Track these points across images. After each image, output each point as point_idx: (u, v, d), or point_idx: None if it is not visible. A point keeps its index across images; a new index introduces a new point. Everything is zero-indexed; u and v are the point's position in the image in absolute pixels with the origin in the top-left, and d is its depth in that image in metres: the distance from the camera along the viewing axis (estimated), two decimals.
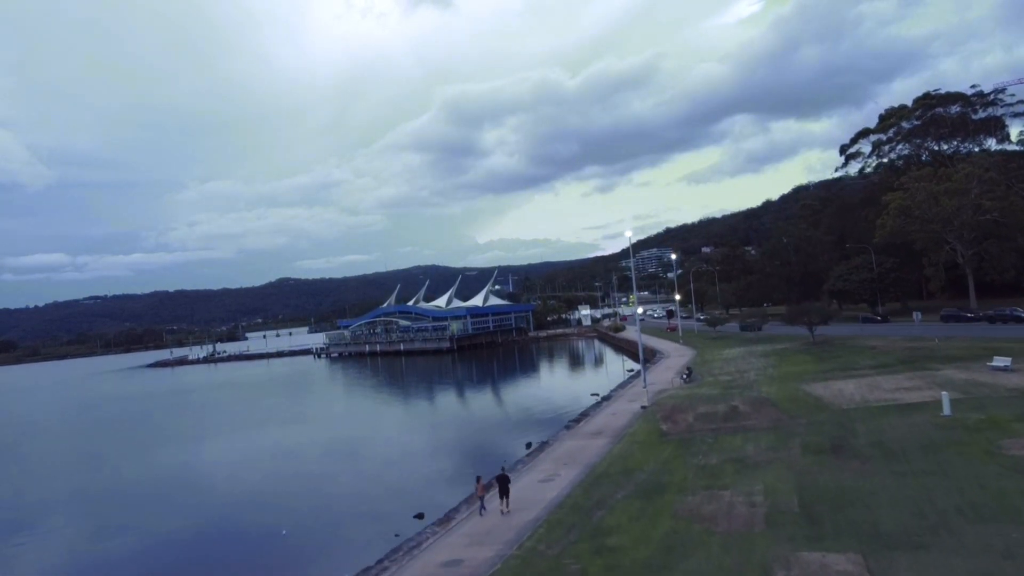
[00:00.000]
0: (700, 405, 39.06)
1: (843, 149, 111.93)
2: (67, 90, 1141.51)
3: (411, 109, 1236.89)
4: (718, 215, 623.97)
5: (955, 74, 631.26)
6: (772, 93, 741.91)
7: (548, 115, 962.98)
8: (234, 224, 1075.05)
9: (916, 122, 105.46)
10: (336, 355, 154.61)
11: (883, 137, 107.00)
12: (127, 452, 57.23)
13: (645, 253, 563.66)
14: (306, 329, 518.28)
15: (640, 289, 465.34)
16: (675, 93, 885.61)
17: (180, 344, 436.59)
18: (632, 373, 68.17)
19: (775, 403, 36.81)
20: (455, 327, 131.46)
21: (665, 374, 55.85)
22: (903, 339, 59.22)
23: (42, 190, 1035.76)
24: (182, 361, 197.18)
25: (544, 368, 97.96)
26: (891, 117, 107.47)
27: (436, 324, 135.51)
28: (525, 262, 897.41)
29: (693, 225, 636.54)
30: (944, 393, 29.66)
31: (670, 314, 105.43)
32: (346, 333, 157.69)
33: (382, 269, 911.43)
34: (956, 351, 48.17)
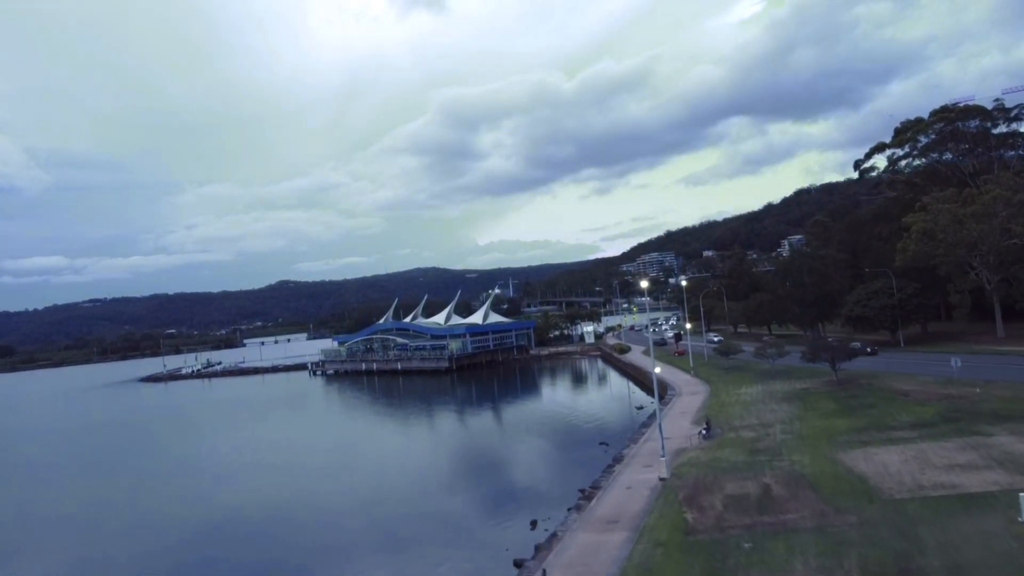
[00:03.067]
0: (727, 480, 34.72)
1: (857, 164, 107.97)
2: (64, 92, 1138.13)
3: (408, 112, 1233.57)
4: (719, 218, 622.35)
5: (952, 76, 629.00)
6: (768, 95, 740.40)
7: (545, 118, 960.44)
8: (232, 227, 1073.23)
9: (933, 136, 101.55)
10: (332, 372, 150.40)
11: (899, 152, 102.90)
12: (93, 506, 52.87)
13: (646, 257, 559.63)
14: (304, 335, 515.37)
15: (641, 295, 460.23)
16: (672, 95, 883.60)
17: (177, 351, 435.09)
18: (643, 414, 63.93)
19: (813, 484, 32.44)
20: (454, 346, 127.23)
21: (680, 422, 51.51)
22: (935, 381, 54.94)
23: (40, 193, 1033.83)
24: (174, 376, 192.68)
25: (547, 395, 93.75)
26: (907, 131, 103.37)
27: (434, 343, 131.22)
28: (525, 264, 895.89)
29: (694, 228, 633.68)
30: (1022, 495, 25.32)
31: (678, 337, 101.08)
32: (342, 349, 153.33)
33: (381, 271, 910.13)
34: (1001, 404, 43.95)
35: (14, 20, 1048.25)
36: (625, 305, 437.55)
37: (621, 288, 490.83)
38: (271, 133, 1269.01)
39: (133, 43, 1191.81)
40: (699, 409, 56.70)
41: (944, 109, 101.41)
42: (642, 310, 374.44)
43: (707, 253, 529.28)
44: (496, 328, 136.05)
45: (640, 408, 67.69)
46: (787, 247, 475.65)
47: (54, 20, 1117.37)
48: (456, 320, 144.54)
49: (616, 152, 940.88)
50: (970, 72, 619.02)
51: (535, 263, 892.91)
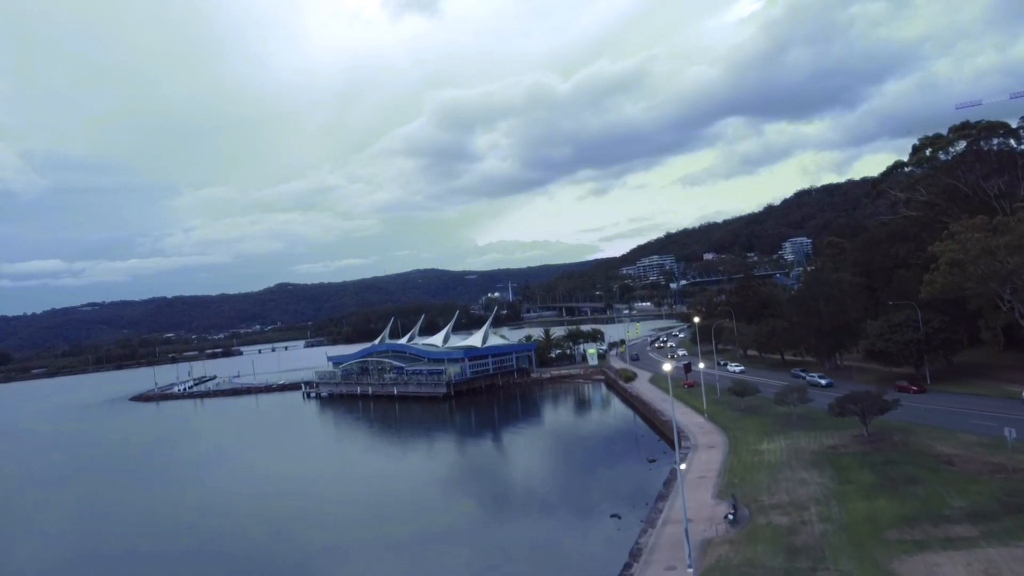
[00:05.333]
0: None
1: (875, 184, 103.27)
2: (59, 95, 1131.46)
3: (404, 114, 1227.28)
4: (718, 220, 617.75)
5: (948, 75, 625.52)
6: (764, 96, 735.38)
7: (541, 119, 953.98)
8: (230, 229, 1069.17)
9: (954, 152, 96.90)
10: (326, 395, 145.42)
11: (917, 171, 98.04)
12: None
13: (645, 261, 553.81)
14: (302, 342, 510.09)
15: (642, 299, 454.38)
16: (667, 96, 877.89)
17: (173, 360, 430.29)
18: (656, 470, 59.04)
19: None
20: (452, 371, 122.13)
21: (701, 494, 46.57)
22: (979, 443, 50.13)
23: (36, 196, 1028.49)
24: (165, 395, 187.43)
25: (550, 434, 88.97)
26: (925, 148, 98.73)
27: (432, 367, 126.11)
28: (524, 265, 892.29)
29: (693, 230, 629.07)
30: None
31: (687, 368, 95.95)
32: (336, 371, 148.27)
33: (380, 273, 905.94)
34: None
35: (9, 22, 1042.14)
36: (626, 311, 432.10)
37: (622, 293, 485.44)
38: (267, 136, 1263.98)
39: (129, 45, 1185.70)
40: (719, 472, 51.83)
41: (965, 125, 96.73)
42: (639, 311, 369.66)
43: (707, 256, 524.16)
44: (496, 351, 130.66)
45: (653, 461, 62.75)
46: (788, 249, 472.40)
47: (49, 22, 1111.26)
48: (455, 341, 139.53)
49: (612, 153, 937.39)
50: (966, 71, 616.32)
51: (534, 264, 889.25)
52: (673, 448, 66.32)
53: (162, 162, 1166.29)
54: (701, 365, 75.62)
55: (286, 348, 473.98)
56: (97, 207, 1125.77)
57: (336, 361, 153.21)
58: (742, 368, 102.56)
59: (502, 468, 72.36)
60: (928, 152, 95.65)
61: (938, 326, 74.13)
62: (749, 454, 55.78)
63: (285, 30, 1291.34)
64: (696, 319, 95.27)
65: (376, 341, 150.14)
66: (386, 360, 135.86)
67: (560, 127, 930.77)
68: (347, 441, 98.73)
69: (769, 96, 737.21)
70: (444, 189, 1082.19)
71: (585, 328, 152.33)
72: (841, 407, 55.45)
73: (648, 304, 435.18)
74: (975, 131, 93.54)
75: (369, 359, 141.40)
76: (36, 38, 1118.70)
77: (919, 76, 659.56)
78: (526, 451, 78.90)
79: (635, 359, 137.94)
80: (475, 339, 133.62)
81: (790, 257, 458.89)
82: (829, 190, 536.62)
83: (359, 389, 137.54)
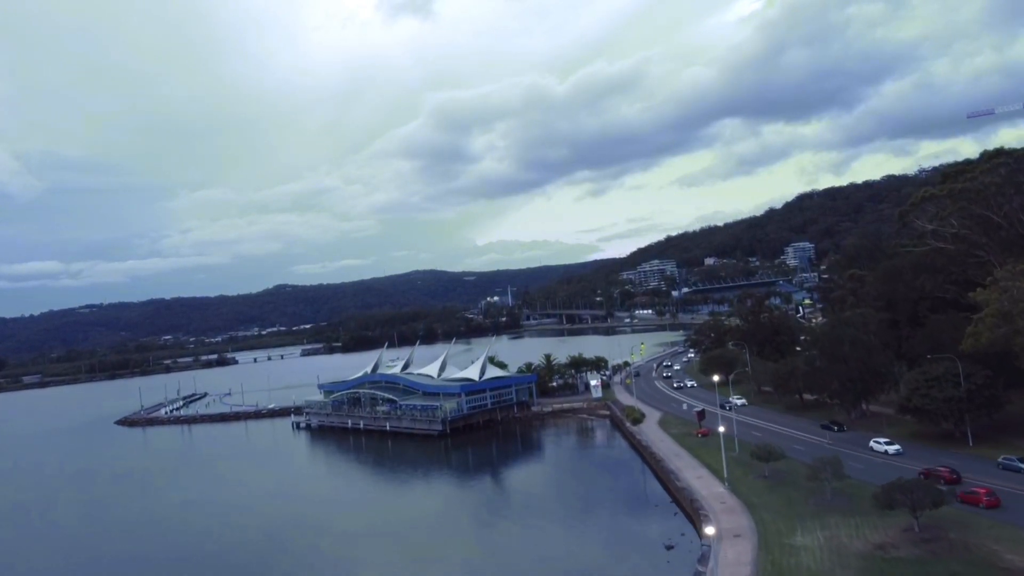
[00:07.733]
0: None
1: (902, 215, 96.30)
2: (57, 95, 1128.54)
3: (400, 116, 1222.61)
4: (717, 221, 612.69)
5: (945, 75, 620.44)
6: (761, 96, 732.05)
7: (537, 120, 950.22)
8: (227, 230, 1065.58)
9: (989, 178, 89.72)
10: (316, 425, 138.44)
11: (947, 203, 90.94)
12: None
13: (646, 265, 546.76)
14: (299, 349, 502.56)
15: (643, 307, 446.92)
16: (665, 97, 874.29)
17: (168, 369, 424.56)
18: (676, 564, 52.02)
19: None
20: (448, 407, 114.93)
21: None
22: None
23: (33, 198, 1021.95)
24: (152, 419, 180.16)
25: (551, 487, 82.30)
26: (956, 176, 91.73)
27: (427, 403, 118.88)
28: (523, 265, 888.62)
29: (694, 233, 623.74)
30: None
31: (701, 415, 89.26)
32: (327, 401, 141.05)
33: (379, 274, 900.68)
34: None
35: (8, 22, 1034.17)
36: (627, 319, 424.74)
37: (622, 299, 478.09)
38: (265, 136, 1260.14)
39: (127, 45, 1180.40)
40: None
41: (998, 152, 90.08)
42: (644, 327, 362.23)
43: (709, 260, 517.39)
44: (494, 384, 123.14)
45: (670, 548, 55.74)
46: (791, 254, 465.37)
47: (49, 22, 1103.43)
48: (452, 372, 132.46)
49: (610, 154, 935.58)
50: (964, 71, 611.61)
51: (533, 264, 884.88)
52: (693, 524, 59.75)
53: (159, 163, 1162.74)
54: (721, 429, 68.44)
55: (282, 357, 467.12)
56: (95, 208, 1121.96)
57: (327, 389, 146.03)
58: (898, 448, 69.17)
59: (497, 546, 65.18)
60: (959, 183, 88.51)
61: (981, 382, 67.23)
62: (783, 552, 48.68)
63: (283, 31, 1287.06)
64: (716, 377, 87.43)
65: (368, 369, 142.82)
66: (379, 393, 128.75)
67: (557, 128, 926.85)
68: (342, 489, 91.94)
69: (766, 97, 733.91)
70: (442, 190, 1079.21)
71: (588, 356, 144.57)
72: (889, 499, 48.55)
73: (649, 312, 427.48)
74: (1011, 159, 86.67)
75: (361, 390, 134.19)
76: (35, 38, 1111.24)
77: (917, 76, 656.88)
78: (525, 520, 70.96)
79: (636, 375, 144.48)
80: (472, 370, 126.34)
81: (793, 262, 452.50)
82: (831, 194, 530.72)
83: (350, 422, 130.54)
